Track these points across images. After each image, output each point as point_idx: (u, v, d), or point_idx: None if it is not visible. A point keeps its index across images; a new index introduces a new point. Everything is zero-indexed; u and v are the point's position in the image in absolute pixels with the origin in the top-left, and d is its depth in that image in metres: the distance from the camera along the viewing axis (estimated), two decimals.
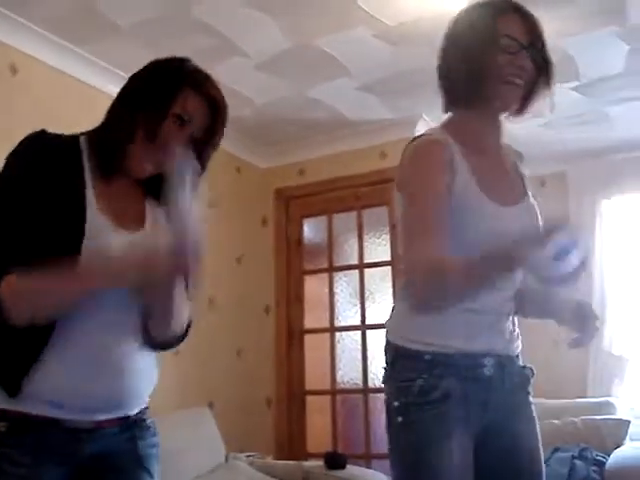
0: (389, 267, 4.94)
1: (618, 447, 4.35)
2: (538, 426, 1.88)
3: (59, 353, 1.43)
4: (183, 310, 1.59)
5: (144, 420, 1.61)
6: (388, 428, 1.76)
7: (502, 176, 1.84)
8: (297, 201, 5.27)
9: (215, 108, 1.60)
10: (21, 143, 1.51)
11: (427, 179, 1.70)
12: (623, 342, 5.13)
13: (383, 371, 1.81)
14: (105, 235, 1.47)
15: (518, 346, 1.86)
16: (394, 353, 1.77)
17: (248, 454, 4.07)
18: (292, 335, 5.12)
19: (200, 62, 1.68)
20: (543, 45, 1.75)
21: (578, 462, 4.29)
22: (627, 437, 4.53)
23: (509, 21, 1.73)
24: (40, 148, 1.49)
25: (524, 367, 1.86)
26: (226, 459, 3.85)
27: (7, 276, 1.38)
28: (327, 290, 5.18)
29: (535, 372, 1.89)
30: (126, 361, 1.52)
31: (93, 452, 1.49)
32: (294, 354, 5.11)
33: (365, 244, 5.13)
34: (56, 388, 1.43)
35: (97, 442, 1.49)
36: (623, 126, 4.95)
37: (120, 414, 1.53)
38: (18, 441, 1.40)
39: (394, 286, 4.83)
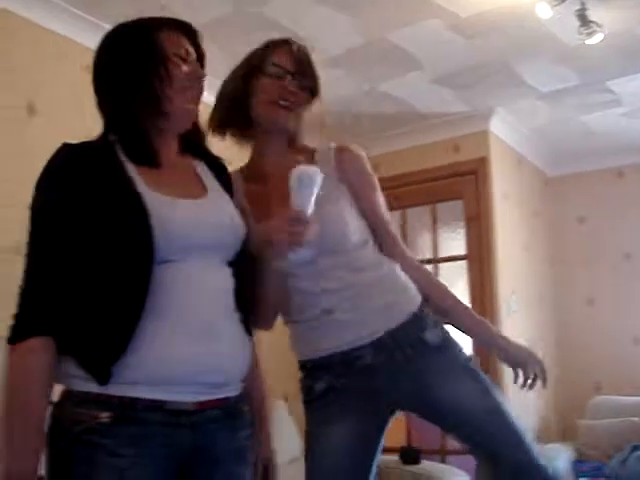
0: (464, 261, 4.90)
1: None
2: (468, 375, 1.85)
3: (153, 329, 1.39)
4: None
5: (242, 408, 1.57)
6: None
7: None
8: None
9: (193, 35, 1.61)
10: (49, 166, 1.46)
11: None
12: None
13: None
14: (167, 209, 1.44)
15: (395, 318, 1.82)
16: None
17: None
18: None
19: None
20: (311, 71, 1.91)
21: None
22: None
23: (279, 52, 1.87)
24: (71, 166, 1.45)
25: (418, 334, 1.82)
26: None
27: (32, 341, 1.36)
28: None
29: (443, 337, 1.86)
30: (225, 334, 1.48)
31: (194, 440, 1.44)
32: None
33: (440, 238, 5.10)
34: (154, 366, 1.37)
35: (198, 428, 1.44)
36: None
37: (220, 395, 1.49)
38: (119, 431, 1.36)
39: (470, 280, 4.79)
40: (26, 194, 1.47)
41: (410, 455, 4.09)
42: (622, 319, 5.29)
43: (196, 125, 1.65)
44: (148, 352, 1.37)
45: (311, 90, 1.93)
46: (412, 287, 1.88)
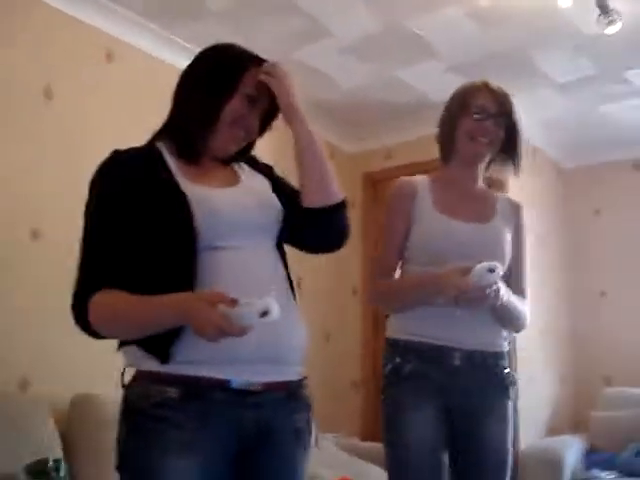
0: None
1: None
2: (510, 427, 2.17)
3: None
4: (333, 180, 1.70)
5: (303, 391, 1.64)
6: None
7: (465, 204, 2.24)
8: (384, 185, 5.25)
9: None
10: (100, 167, 1.58)
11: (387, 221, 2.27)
12: None
13: None
14: (206, 197, 1.55)
15: (498, 345, 2.18)
16: (385, 343, 2.24)
17: (334, 435, 4.10)
18: (378, 317, 5.12)
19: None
20: (509, 111, 2.21)
21: None
22: None
23: (479, 94, 2.22)
24: (120, 165, 1.57)
25: (503, 368, 2.18)
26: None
27: (100, 292, 1.47)
28: None
29: (517, 380, 2.23)
30: (286, 315, 1.50)
31: (257, 420, 1.52)
32: (380, 336, 5.11)
33: None
34: (214, 346, 1.40)
35: (262, 408, 1.52)
36: None
37: (284, 377, 1.56)
38: (186, 406, 1.44)
39: None
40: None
41: None
42: (635, 311, 5.27)
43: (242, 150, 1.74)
44: (201, 341, 1.41)
45: (509, 127, 2.23)
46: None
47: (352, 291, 5.16)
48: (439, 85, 4.49)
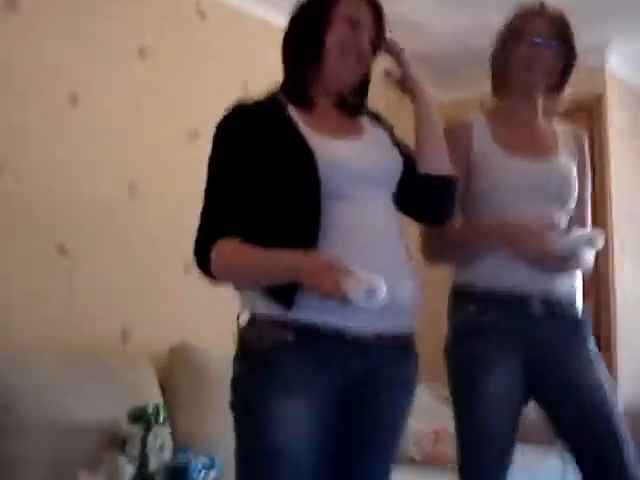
0: None
1: None
2: (601, 366, 2.00)
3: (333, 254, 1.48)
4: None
5: (413, 343, 1.68)
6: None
7: (527, 139, 2.09)
8: None
9: (375, 8, 1.69)
10: (223, 120, 1.62)
11: None
12: None
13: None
14: (329, 147, 1.57)
15: (572, 287, 2.02)
16: (452, 291, 2.10)
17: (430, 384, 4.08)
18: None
19: None
20: (568, 38, 2.08)
21: None
22: None
23: (534, 20, 2.07)
24: (242, 117, 1.61)
25: (577, 311, 2.02)
26: None
27: (220, 241, 1.53)
28: None
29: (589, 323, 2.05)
30: (396, 266, 1.59)
31: (367, 368, 1.56)
32: None
33: None
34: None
35: (372, 356, 1.56)
36: None
37: (395, 329, 1.59)
38: (301, 350, 1.49)
39: None
40: None
41: None
42: None
43: (359, 90, 1.75)
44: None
45: (567, 56, 2.11)
46: None
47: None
48: None
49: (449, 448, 3.18)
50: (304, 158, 1.53)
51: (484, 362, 1.96)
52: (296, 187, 1.54)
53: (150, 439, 2.47)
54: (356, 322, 1.51)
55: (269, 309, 1.52)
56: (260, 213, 1.55)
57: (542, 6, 2.10)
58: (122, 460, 2.39)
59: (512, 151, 2.05)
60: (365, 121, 1.76)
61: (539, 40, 2.04)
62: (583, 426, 1.94)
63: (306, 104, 1.65)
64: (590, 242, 1.81)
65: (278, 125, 1.58)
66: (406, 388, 1.67)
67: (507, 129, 2.11)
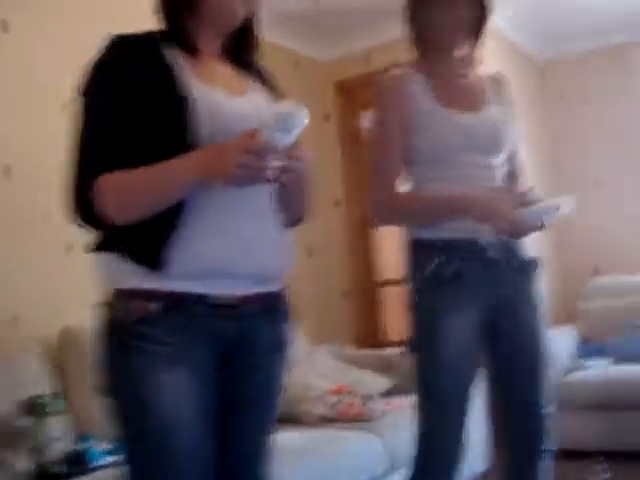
0: None
1: None
2: (541, 310, 2.13)
3: (195, 220, 1.44)
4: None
5: (283, 303, 1.65)
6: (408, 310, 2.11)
7: (462, 94, 2.14)
8: (360, 93, 5.12)
9: None
10: (97, 58, 1.50)
11: (382, 120, 2.13)
12: None
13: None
14: (208, 96, 1.48)
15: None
16: (412, 245, 2.12)
17: (329, 345, 4.13)
18: (363, 228, 5.10)
19: None
20: None
21: None
22: None
23: None
24: (120, 50, 1.49)
25: (528, 257, 2.12)
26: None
27: (101, 176, 1.42)
28: None
29: (539, 263, 2.14)
30: (265, 228, 1.54)
31: (237, 331, 1.53)
32: (366, 246, 5.13)
33: None
34: (196, 259, 1.43)
35: (242, 320, 1.53)
36: None
37: (262, 289, 1.55)
38: (166, 320, 1.43)
39: None
40: None
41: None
42: (624, 199, 5.29)
43: (245, 35, 1.66)
44: (190, 245, 1.43)
45: (483, 5, 2.14)
46: None
47: (334, 203, 5.11)
48: None
49: (355, 403, 3.23)
50: (179, 104, 1.44)
51: (452, 312, 2.01)
52: (167, 134, 1.44)
53: (45, 429, 2.37)
54: (222, 287, 1.47)
55: (130, 281, 1.44)
56: (134, 154, 1.45)
57: None
58: (13, 457, 2.28)
59: (454, 107, 2.08)
60: (252, 78, 1.68)
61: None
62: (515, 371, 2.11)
63: (187, 46, 1.55)
64: (557, 210, 1.85)
65: (156, 65, 1.48)
66: (279, 349, 1.64)
67: (444, 86, 2.13)
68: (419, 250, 2.10)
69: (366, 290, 5.09)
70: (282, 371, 1.66)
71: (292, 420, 3.07)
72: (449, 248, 2.03)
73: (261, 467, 1.65)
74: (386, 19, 4.70)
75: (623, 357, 4.32)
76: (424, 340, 2.07)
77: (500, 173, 2.14)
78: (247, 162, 1.32)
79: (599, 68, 5.45)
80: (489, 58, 4.58)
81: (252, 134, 1.32)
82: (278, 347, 1.64)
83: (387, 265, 5.19)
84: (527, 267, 2.12)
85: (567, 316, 5.06)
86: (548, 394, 2.10)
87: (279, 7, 4.30)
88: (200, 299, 1.46)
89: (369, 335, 5.00)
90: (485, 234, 2.01)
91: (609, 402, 4.05)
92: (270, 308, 1.59)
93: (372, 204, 2.14)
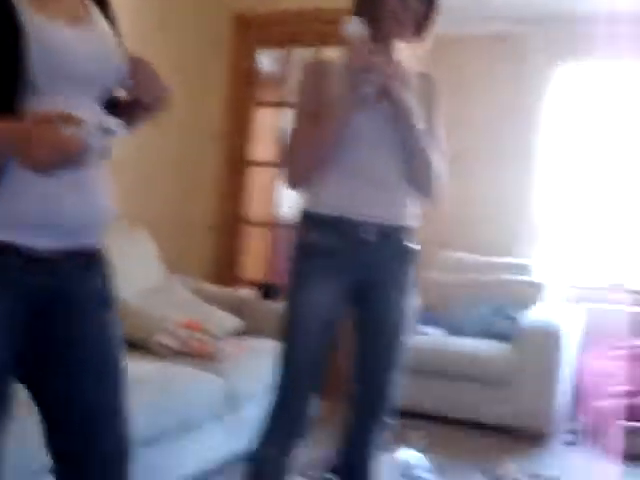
0: None
1: (531, 306, 4.67)
2: (410, 298, 2.31)
3: (10, 174, 1.38)
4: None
5: (101, 255, 1.60)
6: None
7: None
8: (256, 29, 5.04)
9: None
10: None
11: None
12: (551, 211, 5.36)
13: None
14: (48, 32, 1.40)
15: (405, 218, 2.24)
16: (299, 215, 2.27)
17: (183, 277, 4.14)
18: (237, 163, 5.12)
19: None
20: None
21: (494, 317, 4.59)
22: (541, 299, 4.84)
23: None
24: None
25: (407, 243, 2.25)
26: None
27: None
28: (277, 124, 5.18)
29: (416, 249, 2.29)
30: (85, 181, 1.47)
31: (52, 285, 1.49)
32: (238, 183, 5.15)
33: None
34: (8, 205, 1.39)
35: (57, 274, 1.49)
36: None
37: (78, 242, 1.51)
38: None
39: None
40: None
41: (270, 291, 4.27)
42: (485, 179, 5.58)
43: None
44: (4, 190, 1.38)
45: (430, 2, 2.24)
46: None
47: (212, 137, 5.06)
48: None
49: (206, 341, 3.32)
50: (12, 41, 1.35)
51: (316, 280, 2.17)
52: (3, 69, 1.35)
53: None
54: (33, 239, 1.42)
55: None
56: None
57: None
58: None
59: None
60: (92, 7, 1.56)
61: None
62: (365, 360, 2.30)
63: None
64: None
65: None
66: (100, 302, 1.59)
67: None
68: (303, 220, 2.25)
69: (231, 227, 5.12)
70: (106, 324, 1.60)
71: (142, 348, 3.12)
72: (325, 223, 2.18)
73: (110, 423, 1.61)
74: None
75: (458, 329, 4.64)
76: (288, 304, 2.24)
77: None
78: (59, 162, 1.30)
79: (485, 53, 5.64)
80: None
81: (74, 144, 1.29)
82: (97, 299, 1.58)
83: (257, 206, 5.26)
84: (403, 254, 2.26)
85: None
86: (395, 370, 2.31)
87: None
88: (9, 248, 1.41)
89: (227, 272, 5.07)
90: (362, 215, 2.15)
91: (438, 369, 4.38)
92: (87, 263, 1.55)
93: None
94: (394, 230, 2.22)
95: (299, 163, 2.23)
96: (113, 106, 1.57)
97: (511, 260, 5.19)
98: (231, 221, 5.13)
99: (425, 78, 2.34)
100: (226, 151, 5.07)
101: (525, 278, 4.96)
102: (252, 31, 5.05)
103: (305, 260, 2.22)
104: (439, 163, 2.24)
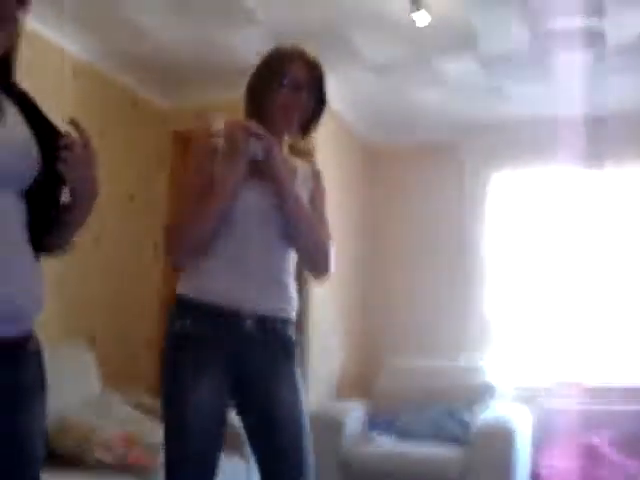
0: None
1: (482, 408, 4.62)
2: (302, 395, 2.15)
3: None
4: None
5: (30, 346, 1.54)
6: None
7: None
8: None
9: None
10: None
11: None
12: (499, 310, 5.38)
13: None
14: None
15: (289, 311, 2.17)
16: (175, 300, 2.14)
17: (124, 391, 4.06)
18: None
19: None
20: (322, 84, 2.24)
21: (445, 420, 4.52)
22: (492, 400, 4.80)
23: (293, 65, 2.20)
24: None
25: (290, 337, 2.16)
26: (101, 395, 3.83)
27: None
28: None
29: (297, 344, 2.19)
30: (17, 268, 1.45)
31: None
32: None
33: None
34: None
35: None
36: (518, 103, 5.12)
37: (7, 331, 1.45)
38: None
39: None
40: None
41: None
42: (422, 283, 5.63)
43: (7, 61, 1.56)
44: None
45: (320, 101, 2.27)
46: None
47: (154, 246, 5.04)
48: (259, 49, 4.46)
49: (143, 452, 3.19)
50: None
51: (193, 371, 2.01)
52: None
53: None
54: None
55: None
56: None
57: (301, 52, 2.23)
58: None
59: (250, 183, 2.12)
60: (9, 103, 1.53)
61: (298, 86, 2.18)
62: (274, 440, 2.09)
63: None
64: None
65: None
66: (29, 394, 1.52)
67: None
68: (177, 306, 2.12)
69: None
70: (38, 419, 1.54)
71: (79, 463, 3.01)
72: (202, 310, 2.07)
73: None
74: (235, 77, 4.79)
75: (410, 433, 4.54)
76: (164, 402, 2.09)
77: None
78: None
79: (418, 162, 5.80)
80: (321, 136, 4.87)
81: None
82: (15, 393, 1.50)
83: None
84: (285, 347, 2.15)
85: (362, 392, 5.25)
86: (307, 472, 2.09)
87: (122, 48, 4.33)
88: None
89: None
90: (243, 304, 2.06)
91: (388, 475, 4.23)
92: (15, 352, 1.49)
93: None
94: (275, 321, 2.13)
95: (185, 241, 2.09)
96: (55, 212, 1.57)
97: (462, 363, 5.18)
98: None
99: (309, 168, 2.34)
100: (163, 263, 5.02)
101: (476, 380, 4.92)
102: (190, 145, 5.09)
103: (179, 350, 2.06)
104: (327, 240, 2.20)
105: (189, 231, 2.08)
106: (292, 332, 2.18)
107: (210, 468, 2.03)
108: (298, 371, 2.17)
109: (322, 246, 2.19)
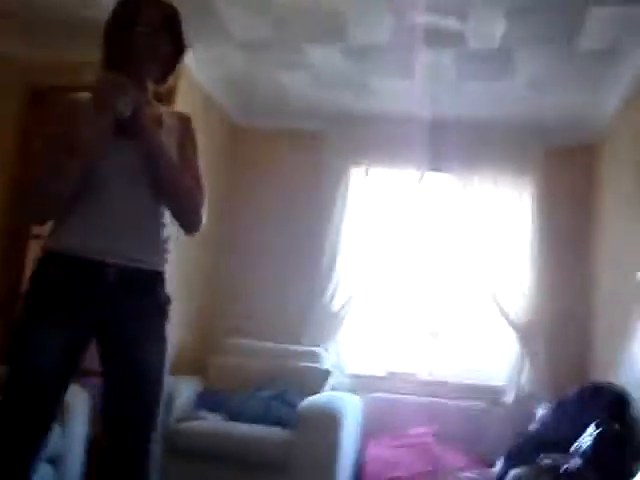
0: None
1: (316, 393, 4.65)
2: (166, 348, 2.17)
3: None
4: None
5: None
6: None
7: None
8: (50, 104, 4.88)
9: None
10: None
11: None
12: (342, 300, 5.44)
13: None
14: None
15: (157, 264, 2.17)
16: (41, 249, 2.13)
17: None
18: (22, 234, 4.83)
19: None
20: (178, 28, 2.25)
21: (274, 402, 4.53)
22: (327, 386, 4.86)
23: (149, 9, 2.18)
24: None
25: (158, 290, 2.17)
26: None
27: None
28: None
29: (172, 300, 2.21)
30: None
31: None
32: (24, 254, 4.85)
33: None
34: None
35: None
36: (381, 98, 5.19)
37: None
38: None
39: None
40: None
41: None
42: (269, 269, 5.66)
43: None
44: None
45: (177, 45, 2.26)
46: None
47: None
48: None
49: None
50: None
51: (49, 318, 2.01)
52: None
53: None
54: None
55: None
56: None
57: None
58: None
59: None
60: None
61: (151, 30, 2.15)
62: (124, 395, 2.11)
63: None
64: None
65: None
66: None
67: None
68: (41, 257, 2.11)
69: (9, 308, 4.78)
70: None
71: None
72: (66, 261, 2.06)
73: None
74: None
75: (237, 414, 4.53)
76: (11, 346, 2.05)
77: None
78: None
79: (287, 148, 5.80)
80: (187, 108, 4.78)
81: None
82: None
83: None
84: (149, 298, 2.16)
85: (198, 368, 5.20)
86: (152, 429, 2.12)
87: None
88: None
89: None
90: (106, 255, 2.06)
91: (215, 454, 4.20)
92: None
93: None
94: (138, 272, 2.12)
95: (43, 195, 2.08)
96: None
97: (301, 347, 5.21)
98: (10, 297, 4.79)
99: (178, 116, 2.35)
100: (7, 223, 4.80)
101: (312, 365, 4.98)
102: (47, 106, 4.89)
103: (34, 295, 2.07)
104: (198, 193, 2.21)
105: (44, 186, 2.06)
106: (161, 286, 2.18)
107: (42, 405, 2.02)
108: (166, 325, 2.18)
109: (192, 199, 2.19)
